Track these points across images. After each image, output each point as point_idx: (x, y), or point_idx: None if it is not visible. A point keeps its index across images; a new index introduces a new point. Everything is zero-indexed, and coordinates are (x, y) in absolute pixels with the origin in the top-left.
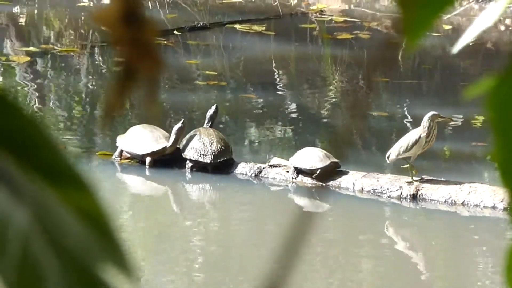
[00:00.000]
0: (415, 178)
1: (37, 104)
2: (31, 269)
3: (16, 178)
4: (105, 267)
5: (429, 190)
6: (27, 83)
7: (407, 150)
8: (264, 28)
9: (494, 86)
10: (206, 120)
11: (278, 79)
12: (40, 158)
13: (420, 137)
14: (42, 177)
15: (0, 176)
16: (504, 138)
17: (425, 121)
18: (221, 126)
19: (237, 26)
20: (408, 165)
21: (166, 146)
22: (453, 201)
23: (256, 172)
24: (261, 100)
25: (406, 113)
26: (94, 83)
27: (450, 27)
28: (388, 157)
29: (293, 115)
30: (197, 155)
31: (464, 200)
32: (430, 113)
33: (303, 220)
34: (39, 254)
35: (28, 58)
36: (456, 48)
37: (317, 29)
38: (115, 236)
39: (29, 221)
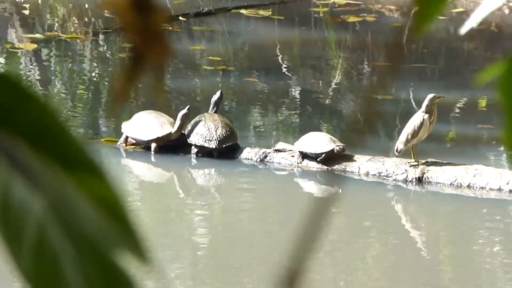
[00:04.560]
0: (420, 161)
1: (43, 91)
2: (47, 257)
3: (31, 165)
4: (121, 253)
5: (434, 173)
6: (32, 70)
7: (414, 135)
8: (270, 12)
9: (505, 70)
10: (211, 106)
11: (283, 63)
12: (55, 145)
13: (424, 119)
14: (57, 164)
15: (16, 164)
16: None
17: (425, 104)
18: (226, 111)
19: (244, 11)
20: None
21: (171, 132)
22: (458, 184)
23: (262, 157)
24: (266, 85)
25: (410, 96)
26: (98, 69)
27: (455, 10)
28: (397, 150)
29: (298, 100)
30: (202, 140)
31: (469, 183)
32: (429, 96)
33: (320, 206)
34: (56, 242)
35: (35, 45)
36: (464, 29)
37: (320, 13)
38: (131, 222)
39: (45, 208)
